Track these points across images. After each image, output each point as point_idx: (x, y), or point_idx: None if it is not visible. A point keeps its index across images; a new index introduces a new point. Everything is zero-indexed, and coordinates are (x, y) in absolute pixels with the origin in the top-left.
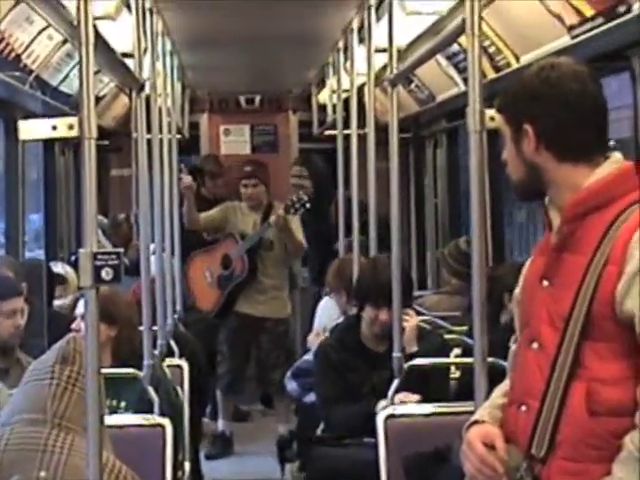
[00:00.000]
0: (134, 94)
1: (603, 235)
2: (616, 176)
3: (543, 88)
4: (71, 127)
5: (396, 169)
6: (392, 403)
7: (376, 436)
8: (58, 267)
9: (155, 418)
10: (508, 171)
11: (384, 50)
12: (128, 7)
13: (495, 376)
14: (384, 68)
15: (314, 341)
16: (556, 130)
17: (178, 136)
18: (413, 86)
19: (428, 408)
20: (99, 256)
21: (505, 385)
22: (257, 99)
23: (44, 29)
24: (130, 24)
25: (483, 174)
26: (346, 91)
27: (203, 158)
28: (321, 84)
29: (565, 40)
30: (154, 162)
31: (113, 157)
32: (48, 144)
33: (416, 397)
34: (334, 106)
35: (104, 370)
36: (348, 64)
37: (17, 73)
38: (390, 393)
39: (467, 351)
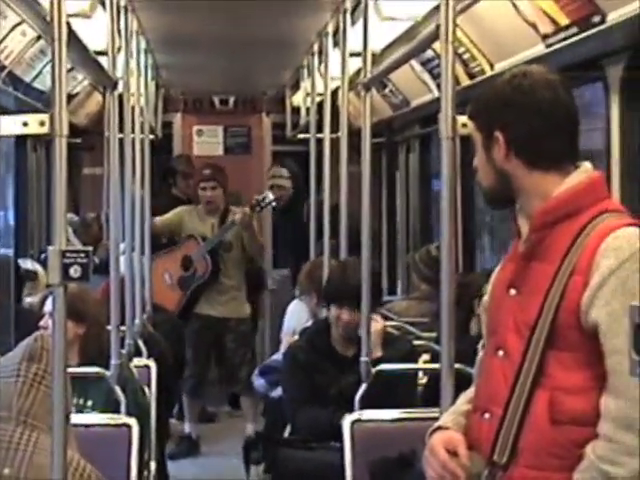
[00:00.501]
0: (107, 92)
1: (571, 244)
2: (586, 186)
3: (515, 95)
4: (42, 124)
5: (368, 173)
6: (359, 408)
7: (342, 440)
8: (27, 264)
9: (121, 418)
10: (478, 178)
11: (359, 54)
12: (103, 5)
13: (462, 382)
14: (358, 72)
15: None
16: (527, 138)
17: (151, 136)
18: (387, 91)
19: (394, 413)
20: (68, 254)
21: (470, 392)
22: (231, 100)
23: (18, 25)
24: (104, 22)
25: (454, 180)
26: (320, 94)
27: (176, 158)
28: (295, 87)
29: (540, 49)
30: (126, 161)
31: (85, 155)
32: (20, 141)
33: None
34: (308, 109)
35: (71, 369)
36: (322, 67)
37: None
38: (357, 398)
39: (435, 357)
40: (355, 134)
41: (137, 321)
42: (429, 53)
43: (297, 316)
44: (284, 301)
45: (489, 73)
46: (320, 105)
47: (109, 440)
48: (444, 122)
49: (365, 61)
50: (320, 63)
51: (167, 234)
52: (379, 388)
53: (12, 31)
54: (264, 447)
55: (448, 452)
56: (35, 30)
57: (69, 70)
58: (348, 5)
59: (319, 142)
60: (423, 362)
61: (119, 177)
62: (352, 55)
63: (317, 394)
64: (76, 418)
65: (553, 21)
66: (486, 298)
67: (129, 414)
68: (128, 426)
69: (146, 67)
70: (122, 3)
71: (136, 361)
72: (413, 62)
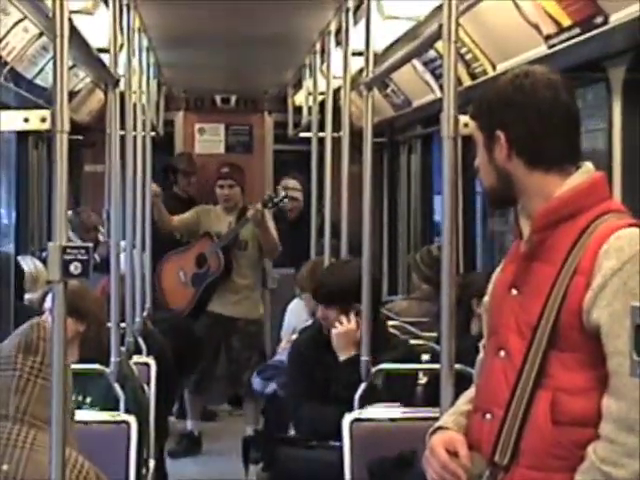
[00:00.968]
0: (109, 90)
1: (572, 245)
2: (587, 186)
3: (516, 95)
4: (43, 120)
5: (369, 173)
6: (359, 407)
7: (341, 439)
8: (27, 261)
9: (120, 415)
10: (480, 178)
11: (361, 53)
12: (105, 2)
13: (462, 383)
14: (360, 71)
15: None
16: (528, 137)
17: (152, 133)
18: (389, 91)
19: (394, 413)
20: (68, 250)
21: (471, 392)
22: (233, 99)
23: (20, 21)
24: (107, 19)
25: (456, 180)
26: (322, 93)
27: (177, 156)
28: (297, 86)
29: (542, 49)
30: (127, 159)
31: (87, 153)
32: (21, 138)
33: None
34: (309, 108)
35: (71, 366)
36: (325, 66)
37: None
38: (357, 397)
39: (435, 357)
40: (357, 134)
41: (137, 319)
42: (431, 53)
43: (297, 315)
44: (284, 300)
45: (491, 74)
46: (322, 104)
47: (108, 437)
48: (446, 122)
49: (367, 60)
50: (322, 62)
51: (184, 233)
52: (379, 387)
53: (14, 27)
54: (264, 445)
55: (449, 453)
56: (37, 27)
57: (71, 67)
58: (351, 4)
59: (321, 141)
60: (423, 362)
61: (120, 175)
62: (354, 54)
63: (319, 390)
64: (75, 415)
65: (556, 22)
66: (487, 298)
67: (128, 411)
68: (127, 423)
69: (148, 65)
70: (124, 1)
71: (136, 358)
72: (415, 62)
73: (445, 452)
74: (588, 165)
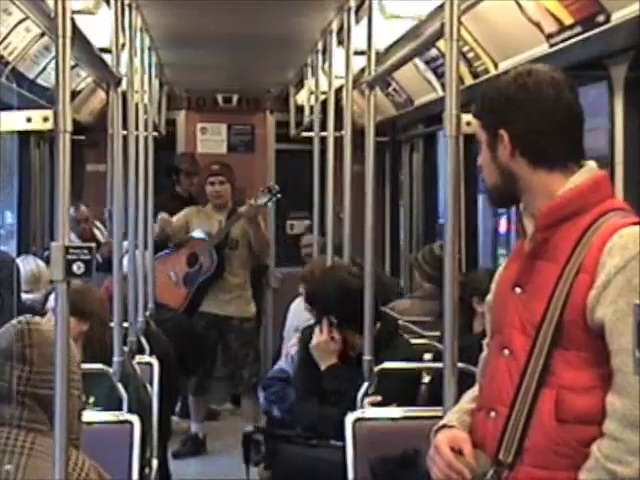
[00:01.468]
0: (111, 89)
1: (576, 243)
2: (590, 184)
3: (519, 93)
4: (46, 120)
5: (372, 172)
6: (361, 406)
7: (344, 438)
8: (29, 260)
9: (123, 415)
10: (483, 176)
11: (363, 52)
12: (107, 2)
13: (465, 381)
14: (362, 70)
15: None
16: (530, 136)
17: (154, 133)
18: (391, 90)
19: (397, 412)
20: (71, 250)
21: (474, 391)
22: (235, 98)
23: (22, 21)
24: (109, 19)
25: (458, 179)
26: (324, 93)
27: (179, 156)
28: (299, 85)
29: (544, 48)
30: (129, 158)
31: (89, 152)
32: (23, 138)
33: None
34: (311, 107)
35: None
36: (326, 65)
37: None
38: (359, 396)
39: (438, 356)
40: (359, 133)
41: (140, 318)
42: (433, 52)
43: (299, 314)
44: (287, 299)
45: (493, 72)
46: (324, 103)
47: (111, 437)
48: (448, 120)
49: (369, 59)
50: (324, 61)
51: (179, 236)
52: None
53: (16, 27)
54: (265, 443)
55: (453, 451)
56: (39, 27)
57: (73, 67)
58: (352, 3)
59: (323, 140)
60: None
61: (122, 174)
62: (356, 53)
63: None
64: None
65: (557, 20)
66: (490, 297)
67: (131, 411)
68: (130, 423)
69: (150, 64)
70: (126, 0)
71: (138, 358)
72: (417, 61)
73: (450, 451)
74: (591, 163)
